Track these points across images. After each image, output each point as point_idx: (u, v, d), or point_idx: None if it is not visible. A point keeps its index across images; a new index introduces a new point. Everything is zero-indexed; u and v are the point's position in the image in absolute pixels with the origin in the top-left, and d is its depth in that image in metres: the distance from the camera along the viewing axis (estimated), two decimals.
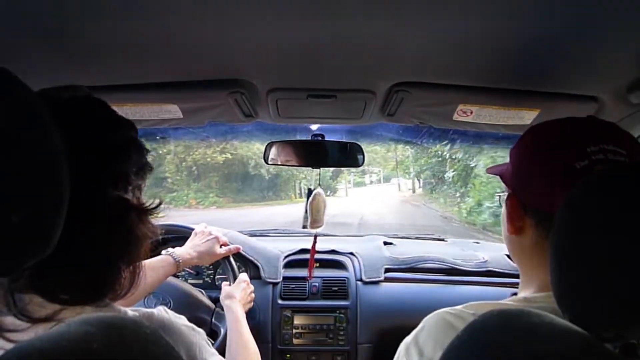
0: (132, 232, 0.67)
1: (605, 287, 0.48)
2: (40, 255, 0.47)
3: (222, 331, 1.43)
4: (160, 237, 0.75)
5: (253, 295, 1.53)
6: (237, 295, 1.41)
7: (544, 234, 0.72)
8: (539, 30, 0.82)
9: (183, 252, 1.42)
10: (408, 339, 0.75)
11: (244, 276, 1.52)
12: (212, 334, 1.46)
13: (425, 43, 0.89)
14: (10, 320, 0.57)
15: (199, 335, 0.75)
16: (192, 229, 1.58)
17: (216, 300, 1.50)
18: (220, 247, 1.54)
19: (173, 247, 1.43)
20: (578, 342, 0.48)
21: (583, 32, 0.83)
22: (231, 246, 1.56)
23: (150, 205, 0.72)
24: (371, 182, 49.55)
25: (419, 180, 33.58)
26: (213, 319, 1.46)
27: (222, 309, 1.41)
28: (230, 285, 1.49)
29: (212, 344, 1.35)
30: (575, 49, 0.90)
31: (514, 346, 0.48)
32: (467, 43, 0.89)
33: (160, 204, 0.73)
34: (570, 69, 0.99)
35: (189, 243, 1.50)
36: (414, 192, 33.61)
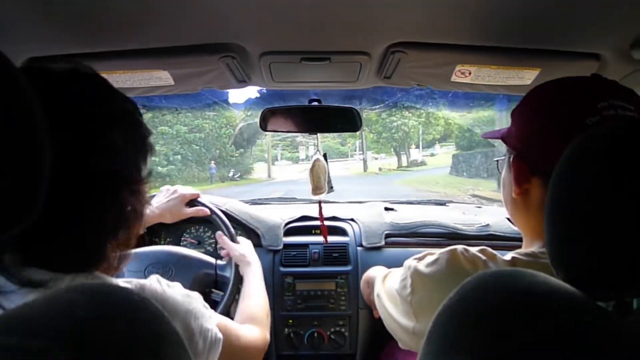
0: (122, 204, 0.67)
1: (599, 244, 0.48)
2: (23, 222, 0.46)
3: (231, 277, 1.44)
4: None
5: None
6: (249, 250, 1.45)
7: None
8: None
9: None
10: (419, 266, 0.79)
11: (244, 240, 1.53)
12: (221, 285, 1.48)
13: (422, 1, 0.87)
14: (2, 282, 0.58)
15: (193, 302, 0.75)
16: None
17: (216, 257, 1.52)
18: (187, 206, 1.52)
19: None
20: (571, 301, 0.47)
21: None
22: (198, 207, 1.53)
23: (141, 177, 0.71)
24: (307, 158, 38.58)
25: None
26: (217, 271, 1.48)
27: (222, 260, 1.47)
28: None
29: (221, 295, 1.40)
30: (577, 4, 0.87)
31: (507, 307, 0.47)
32: (464, 1, 0.86)
33: (150, 173, 0.73)
34: (571, 25, 0.96)
35: (152, 201, 1.49)
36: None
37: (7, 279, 0.58)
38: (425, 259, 0.80)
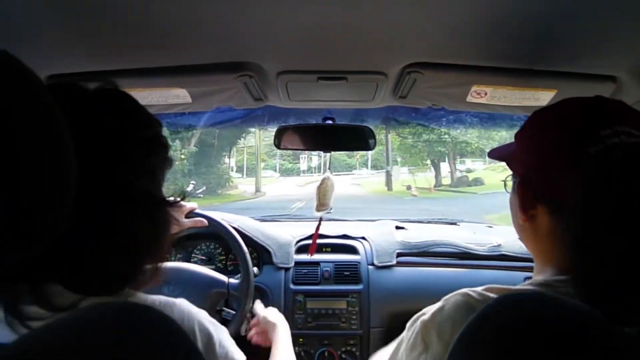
0: (155, 225, 0.68)
1: (623, 269, 0.47)
2: (43, 243, 0.46)
3: (242, 299, 1.44)
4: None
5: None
6: (277, 318, 1.39)
7: (559, 219, 0.70)
8: (555, 7, 0.80)
9: None
10: (425, 317, 0.73)
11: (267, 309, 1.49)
12: (232, 303, 1.49)
13: (438, 22, 0.87)
14: (33, 310, 0.57)
15: (220, 331, 0.75)
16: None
17: (227, 274, 1.51)
18: (186, 217, 1.50)
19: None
20: (594, 324, 0.47)
21: (601, 9, 0.80)
22: (196, 218, 1.50)
23: (174, 198, 0.74)
24: (309, 169, 35.78)
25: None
26: (229, 290, 1.47)
27: (233, 277, 1.47)
28: (242, 272, 1.49)
29: (232, 314, 1.38)
30: (593, 26, 0.87)
31: (528, 329, 0.47)
32: (481, 22, 0.87)
33: (184, 197, 0.74)
34: (587, 47, 0.97)
35: None
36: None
37: (36, 303, 0.58)
38: (428, 311, 0.74)
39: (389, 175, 25.22)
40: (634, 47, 0.95)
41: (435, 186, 23.31)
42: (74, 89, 0.64)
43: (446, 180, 24.27)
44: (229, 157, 25.58)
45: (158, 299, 0.68)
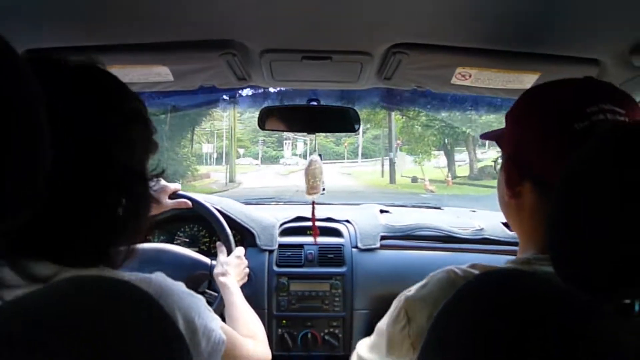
0: (135, 199, 0.68)
1: (600, 247, 0.48)
2: (23, 211, 0.46)
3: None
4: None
5: (247, 270, 1.52)
6: (232, 271, 1.41)
7: (543, 197, 0.71)
8: None
9: None
10: (409, 293, 0.75)
11: (238, 251, 1.51)
12: (215, 286, 1.47)
13: (424, 3, 0.87)
14: (10, 276, 0.57)
15: (198, 301, 0.74)
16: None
17: (210, 257, 1.51)
18: (170, 198, 1.49)
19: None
20: (573, 302, 0.47)
21: None
22: (180, 199, 1.50)
23: (152, 172, 0.74)
24: (294, 156, 32.51)
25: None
26: (212, 272, 1.46)
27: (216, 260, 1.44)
28: (226, 253, 1.48)
29: (215, 296, 1.38)
30: (577, 9, 0.87)
31: (509, 307, 0.47)
32: (466, 3, 0.87)
33: (163, 172, 0.74)
34: (571, 30, 0.97)
35: None
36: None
37: (16, 273, 0.57)
38: (413, 288, 0.76)
39: (392, 164, 20.17)
40: (615, 30, 0.95)
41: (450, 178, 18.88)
42: (51, 62, 0.64)
43: (462, 171, 19.99)
44: (191, 142, 22.03)
45: (135, 274, 0.67)
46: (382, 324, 0.81)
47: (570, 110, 0.69)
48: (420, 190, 16.42)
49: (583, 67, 1.08)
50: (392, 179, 19.84)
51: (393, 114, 16.41)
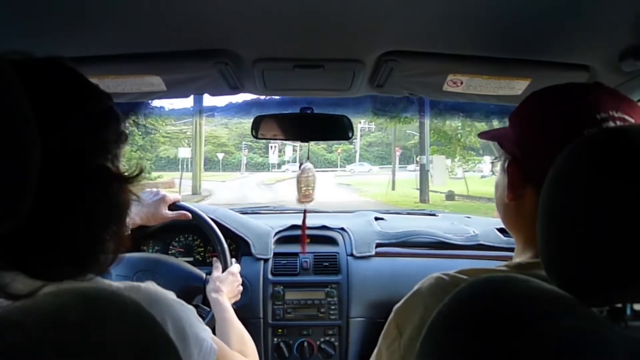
0: (114, 202, 0.65)
1: (592, 250, 0.48)
2: (7, 223, 0.45)
3: None
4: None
5: (240, 288, 1.50)
6: (224, 289, 1.39)
7: None
8: None
9: None
10: (398, 304, 0.75)
11: (233, 268, 1.49)
12: (206, 300, 1.45)
13: (415, 10, 0.87)
14: None
15: (189, 311, 0.73)
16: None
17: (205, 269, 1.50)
18: (169, 209, 1.49)
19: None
20: (565, 307, 0.47)
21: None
22: (181, 211, 1.50)
23: (131, 172, 0.70)
24: (281, 163, 32.28)
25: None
26: (206, 285, 1.45)
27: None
28: (221, 266, 1.47)
29: (207, 311, 1.37)
30: (566, 16, 0.88)
31: (500, 312, 0.47)
32: (457, 10, 0.87)
33: (141, 171, 0.72)
34: (560, 36, 0.98)
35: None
36: None
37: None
38: (402, 299, 0.75)
39: (424, 172, 14.77)
40: (604, 37, 0.96)
41: None
42: (20, 64, 0.59)
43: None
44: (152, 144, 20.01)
45: (123, 283, 0.66)
46: (380, 342, 0.79)
47: (580, 116, 0.68)
48: (459, 210, 10.99)
49: (573, 73, 1.08)
50: (424, 196, 14.93)
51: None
